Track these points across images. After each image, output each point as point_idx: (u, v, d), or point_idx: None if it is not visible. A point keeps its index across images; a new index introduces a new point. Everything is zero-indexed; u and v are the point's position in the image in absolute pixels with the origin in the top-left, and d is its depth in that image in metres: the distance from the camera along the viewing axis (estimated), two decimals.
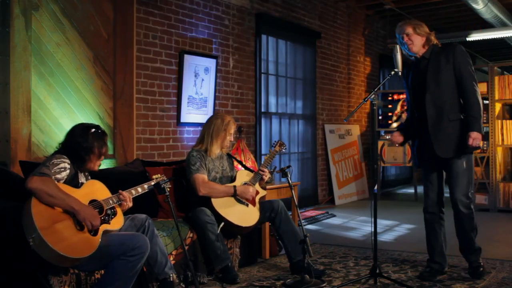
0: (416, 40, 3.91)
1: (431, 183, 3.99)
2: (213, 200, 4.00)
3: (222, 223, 3.95)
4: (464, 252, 3.99)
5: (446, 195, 3.95)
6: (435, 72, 3.85)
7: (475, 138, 3.74)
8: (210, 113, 5.87)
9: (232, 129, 4.24)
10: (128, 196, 3.24)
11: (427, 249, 4.05)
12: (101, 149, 3.16)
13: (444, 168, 3.96)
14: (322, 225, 6.41)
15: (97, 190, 3.15)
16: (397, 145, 4.18)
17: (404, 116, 8.99)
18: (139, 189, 3.33)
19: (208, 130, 4.22)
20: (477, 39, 9.33)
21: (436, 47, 3.94)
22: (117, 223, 3.14)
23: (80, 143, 3.09)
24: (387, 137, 4.29)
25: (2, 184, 3.28)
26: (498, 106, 7.32)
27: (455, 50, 3.85)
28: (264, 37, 7.03)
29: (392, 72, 3.83)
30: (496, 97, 7.15)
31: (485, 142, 7.29)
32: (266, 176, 4.21)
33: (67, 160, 3.05)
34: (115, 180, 3.74)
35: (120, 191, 3.23)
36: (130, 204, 3.26)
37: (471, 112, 3.78)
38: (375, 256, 3.70)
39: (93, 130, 3.16)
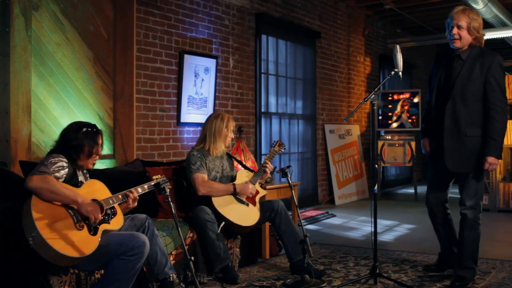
0: (465, 38, 3.64)
1: (436, 178, 3.88)
2: (213, 199, 4.01)
3: (223, 223, 3.95)
4: (455, 265, 3.77)
5: (451, 195, 3.94)
6: (465, 80, 3.61)
7: (491, 163, 3.56)
8: (210, 113, 5.86)
9: (232, 126, 4.27)
10: (134, 195, 3.20)
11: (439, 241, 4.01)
12: (91, 148, 3.12)
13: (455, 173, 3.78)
14: (322, 225, 6.41)
15: (97, 190, 3.15)
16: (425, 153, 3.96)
17: (404, 116, 8.99)
18: (139, 189, 3.33)
19: (210, 130, 4.22)
20: None
21: (475, 50, 3.66)
22: (117, 223, 3.14)
23: (70, 141, 3.08)
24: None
25: (2, 184, 3.28)
26: None
27: (492, 63, 3.58)
28: (264, 37, 7.03)
29: (392, 72, 3.80)
30: None
31: None
32: (269, 169, 4.21)
33: (64, 159, 3.05)
34: (115, 180, 3.75)
35: (131, 189, 3.22)
36: (134, 204, 3.26)
37: (491, 133, 3.56)
38: (375, 256, 3.70)
39: (85, 129, 3.13)
